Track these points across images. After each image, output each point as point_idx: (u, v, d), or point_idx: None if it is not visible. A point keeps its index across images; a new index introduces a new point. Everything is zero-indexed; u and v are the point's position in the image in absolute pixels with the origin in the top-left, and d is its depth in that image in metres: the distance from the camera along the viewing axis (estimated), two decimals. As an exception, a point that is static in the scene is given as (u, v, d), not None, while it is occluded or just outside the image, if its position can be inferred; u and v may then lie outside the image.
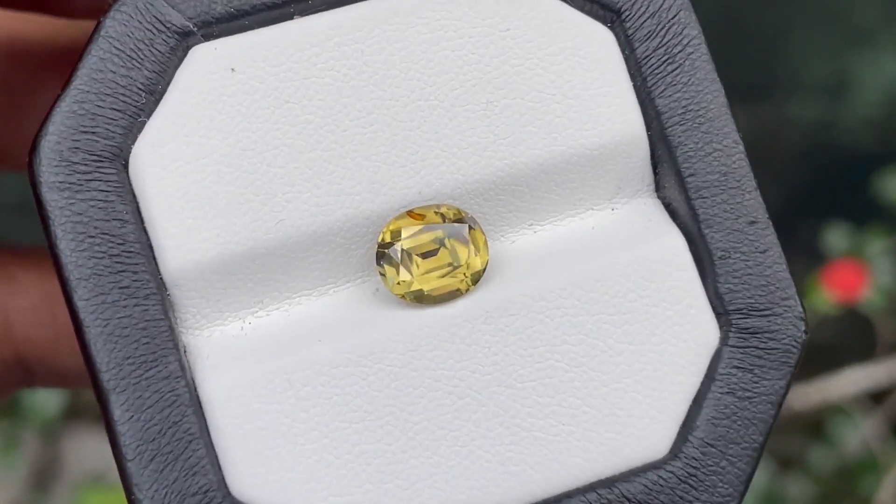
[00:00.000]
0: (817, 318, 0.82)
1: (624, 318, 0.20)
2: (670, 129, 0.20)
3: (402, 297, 0.19)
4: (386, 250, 0.19)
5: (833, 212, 0.85)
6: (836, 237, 0.82)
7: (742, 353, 0.20)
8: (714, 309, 0.20)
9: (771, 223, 0.20)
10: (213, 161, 0.19)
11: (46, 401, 0.79)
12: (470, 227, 0.19)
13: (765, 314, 0.20)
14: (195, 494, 0.18)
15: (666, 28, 0.20)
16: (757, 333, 0.20)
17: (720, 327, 0.20)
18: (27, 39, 0.27)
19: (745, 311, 0.20)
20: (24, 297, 0.25)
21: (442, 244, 0.19)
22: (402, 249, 0.19)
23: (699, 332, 0.20)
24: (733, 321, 0.20)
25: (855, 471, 0.82)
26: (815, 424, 0.85)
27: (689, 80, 0.20)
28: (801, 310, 0.20)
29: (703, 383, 0.20)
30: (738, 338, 0.20)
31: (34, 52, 0.27)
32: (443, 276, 0.19)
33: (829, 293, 0.81)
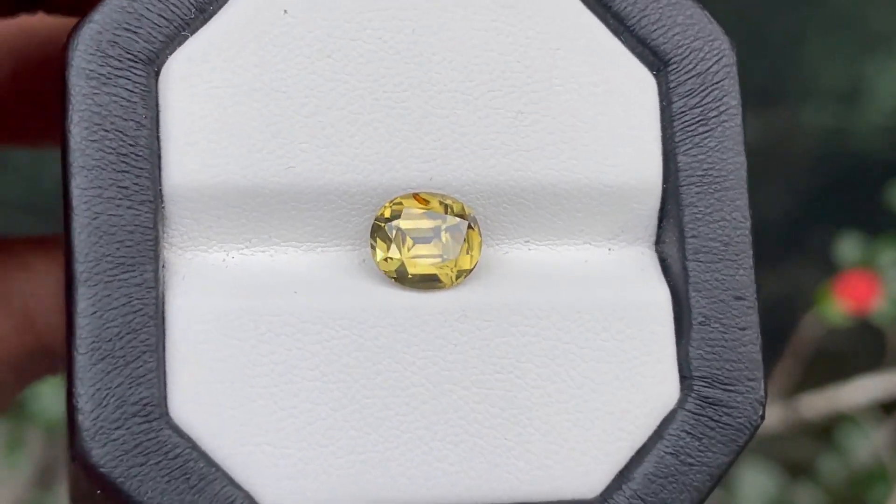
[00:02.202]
0: (828, 328, 0.82)
1: (592, 353, 0.20)
2: (685, 188, 0.20)
3: (386, 273, 0.19)
4: (382, 224, 0.19)
5: (846, 220, 0.84)
6: (848, 247, 0.82)
7: (695, 420, 0.20)
8: (680, 370, 0.20)
9: (757, 303, 0.20)
10: (242, 92, 0.19)
11: (51, 402, 0.78)
12: (469, 226, 0.19)
13: (727, 389, 0.20)
14: (134, 404, 0.18)
15: (708, 90, 0.20)
16: (715, 405, 0.20)
17: (681, 390, 0.20)
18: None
19: (709, 380, 0.20)
20: (41, 284, 0.25)
21: (438, 234, 0.19)
22: (399, 228, 0.19)
23: (660, 389, 0.20)
24: (695, 387, 0.20)
25: (865, 480, 0.83)
26: (825, 433, 0.86)
27: (717, 145, 0.20)
28: (763, 394, 0.20)
29: (650, 438, 0.20)
30: (696, 404, 0.20)
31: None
32: (430, 265, 0.19)
33: (841, 303, 0.81)
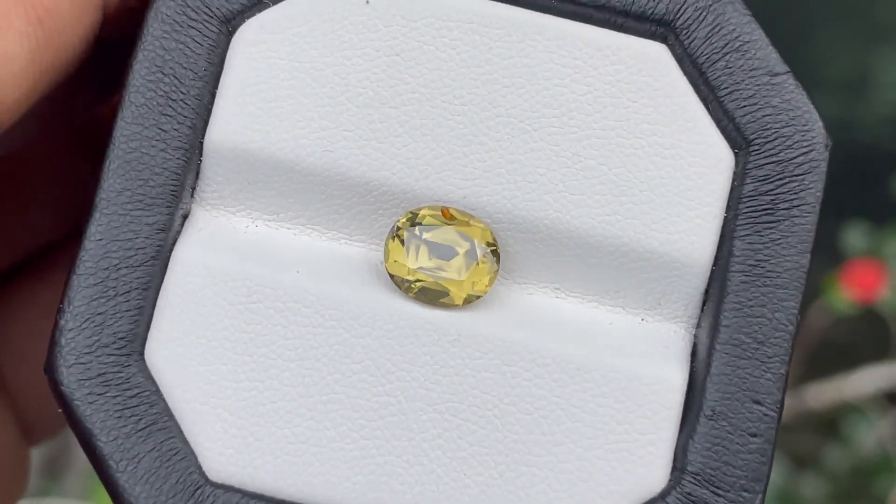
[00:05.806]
0: (834, 317, 0.82)
1: (581, 415, 0.19)
2: (732, 275, 0.19)
3: (392, 276, 0.19)
4: (403, 229, 0.19)
5: (852, 209, 0.84)
6: (854, 236, 0.82)
7: None
8: (675, 460, 0.19)
9: (776, 412, 0.19)
10: (303, 69, 0.19)
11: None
12: (487, 254, 0.19)
13: (717, 492, 0.18)
14: (110, 335, 0.18)
15: (785, 180, 0.19)
16: None
17: (669, 480, 0.18)
18: None
19: (700, 477, 0.18)
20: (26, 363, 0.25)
21: (453, 253, 0.19)
22: (416, 236, 0.19)
23: (644, 472, 0.18)
24: (684, 481, 0.18)
25: (870, 470, 0.82)
26: (830, 423, 0.85)
27: (780, 238, 0.19)
28: None
29: None
30: (678, 499, 0.18)
31: None
32: (436, 280, 0.19)
33: (847, 292, 0.81)
